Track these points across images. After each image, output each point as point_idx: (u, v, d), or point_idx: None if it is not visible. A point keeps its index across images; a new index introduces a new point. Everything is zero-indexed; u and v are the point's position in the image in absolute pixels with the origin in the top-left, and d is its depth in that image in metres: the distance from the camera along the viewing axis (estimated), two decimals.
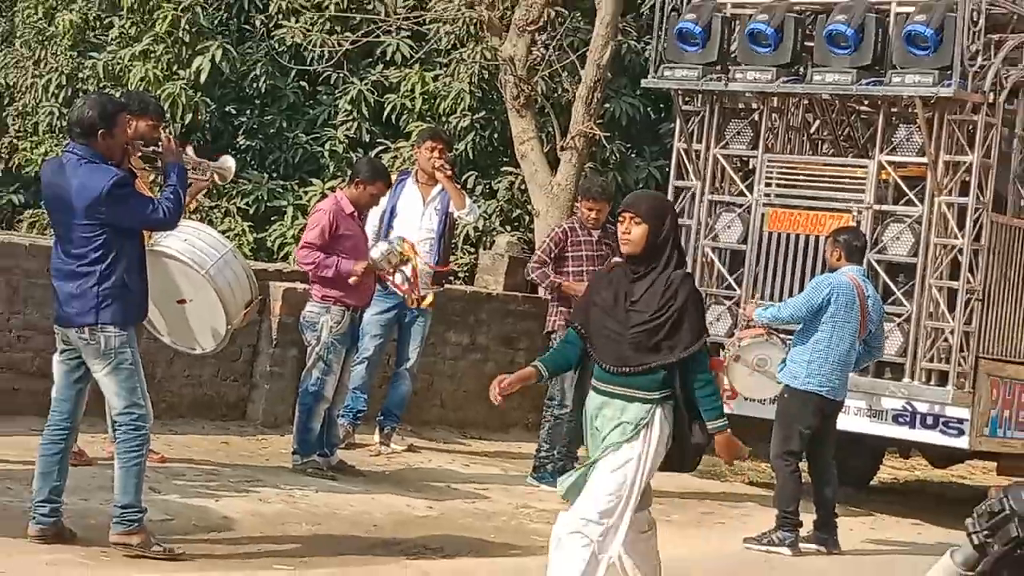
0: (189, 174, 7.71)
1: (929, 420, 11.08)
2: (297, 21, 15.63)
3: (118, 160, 7.12)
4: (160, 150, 7.46)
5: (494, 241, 14.44)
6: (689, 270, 6.69)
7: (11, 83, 17.55)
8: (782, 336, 10.37)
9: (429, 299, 10.69)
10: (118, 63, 15.97)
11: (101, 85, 16.11)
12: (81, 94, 16.60)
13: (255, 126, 15.95)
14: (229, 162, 9.15)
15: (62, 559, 6.84)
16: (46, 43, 17.30)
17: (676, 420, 6.22)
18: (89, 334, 6.96)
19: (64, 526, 7.13)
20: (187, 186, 7.55)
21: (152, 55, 15.66)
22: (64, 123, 16.88)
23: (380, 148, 15.17)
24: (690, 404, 6.26)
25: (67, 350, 7.17)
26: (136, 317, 7.25)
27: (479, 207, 13.40)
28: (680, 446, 6.29)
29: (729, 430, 6.30)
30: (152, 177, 8.68)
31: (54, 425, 7.21)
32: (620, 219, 6.31)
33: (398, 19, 15.58)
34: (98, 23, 16.96)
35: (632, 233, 6.18)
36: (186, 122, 15.10)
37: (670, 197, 12.27)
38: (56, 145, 16.71)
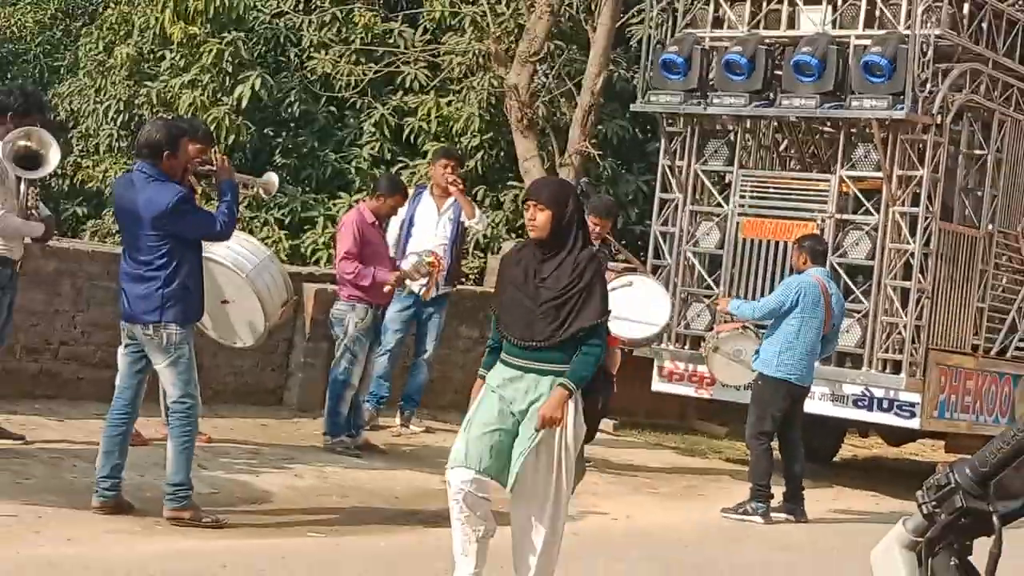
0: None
1: (885, 404, 11.08)
2: (327, 53, 15.64)
3: (179, 177, 7.15)
4: (215, 169, 7.49)
5: (501, 247, 14.44)
6: (595, 250, 6.16)
7: (75, 109, 17.57)
8: (756, 330, 10.38)
9: (433, 292, 10.71)
10: (169, 91, 15.99)
11: (154, 110, 16.13)
12: (137, 119, 16.66)
13: (290, 146, 15.96)
14: (273, 178, 9.22)
15: (120, 528, 6.86)
16: (106, 74, 17.32)
17: (589, 389, 5.98)
18: (153, 330, 6.98)
19: (123, 499, 7.14)
20: (239, 201, 7.57)
21: (199, 84, 15.68)
22: (121, 144, 16.93)
23: (400, 165, 15.18)
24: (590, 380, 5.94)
25: (131, 344, 7.17)
26: (195, 316, 7.27)
27: (487, 217, 13.39)
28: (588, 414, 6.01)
29: (568, 394, 5.72)
30: (199, 191, 8.69)
31: (117, 410, 7.22)
32: (525, 207, 5.99)
33: (416, 52, 15.60)
34: (151, 56, 16.98)
35: (537, 220, 5.82)
36: (229, 143, 15.10)
37: (656, 208, 12.32)
38: (114, 163, 16.74)
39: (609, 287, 10.64)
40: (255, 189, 9.19)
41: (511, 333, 5.84)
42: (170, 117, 15.29)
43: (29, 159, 8.02)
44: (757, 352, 9.96)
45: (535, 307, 5.76)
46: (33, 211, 8.27)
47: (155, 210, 6.91)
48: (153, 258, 6.97)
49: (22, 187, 8.18)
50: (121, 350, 7.31)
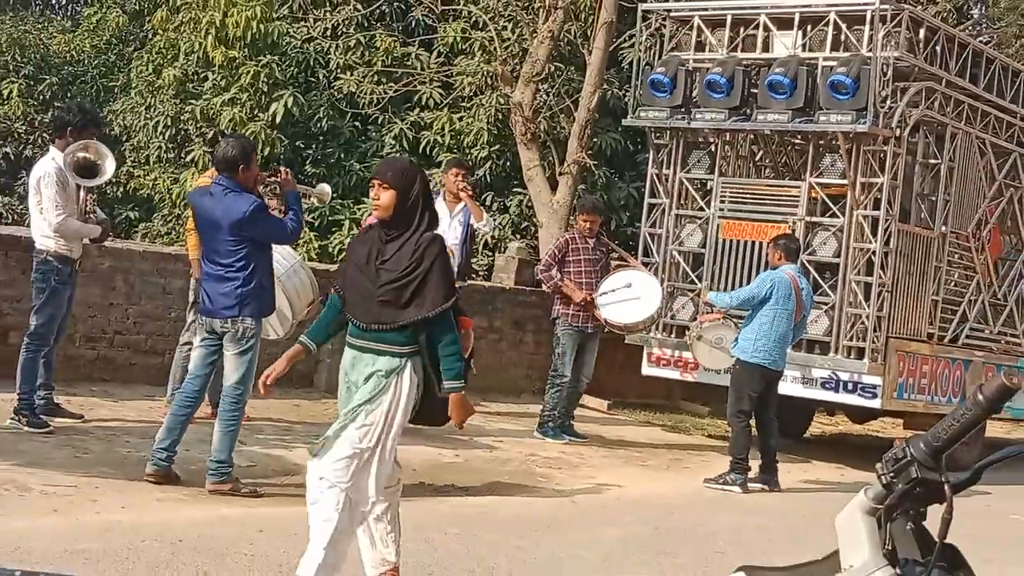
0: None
1: (849, 386, 11.08)
2: (352, 74, 15.65)
3: (251, 188, 7.15)
4: (280, 181, 7.51)
5: (507, 247, 14.44)
6: (438, 232, 5.29)
7: (128, 124, 17.58)
8: (735, 320, 10.39)
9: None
10: (211, 108, 16.00)
11: (198, 126, 16.15)
12: (183, 133, 16.67)
13: (319, 157, 15.97)
14: (327, 189, 9.33)
15: (169, 497, 6.87)
16: (155, 93, 17.32)
17: (424, 374, 5.17)
18: (231, 323, 7.01)
19: (172, 471, 7.15)
20: (303, 209, 7.60)
21: (238, 102, 15.68)
22: (169, 155, 16.94)
23: None
24: (436, 362, 5.18)
25: (208, 337, 7.17)
26: (268, 311, 7.30)
27: (494, 220, 13.40)
28: (427, 399, 5.19)
29: (464, 393, 5.15)
30: None
31: (187, 395, 7.23)
32: (371, 186, 5.27)
33: (431, 73, 15.61)
34: (196, 77, 17.00)
35: (382, 199, 5.12)
36: (265, 155, 15.11)
37: (645, 213, 12.32)
38: (163, 172, 16.75)
39: (608, 280, 10.75)
40: (312, 198, 9.25)
41: (354, 315, 5.18)
42: (211, 133, 15.34)
43: (87, 169, 8.04)
44: (736, 340, 9.97)
45: (375, 289, 5.09)
46: (91, 215, 8.29)
47: (234, 218, 6.92)
48: (232, 260, 6.98)
49: (81, 193, 8.20)
50: (196, 341, 7.34)
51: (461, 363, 5.16)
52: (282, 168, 7.89)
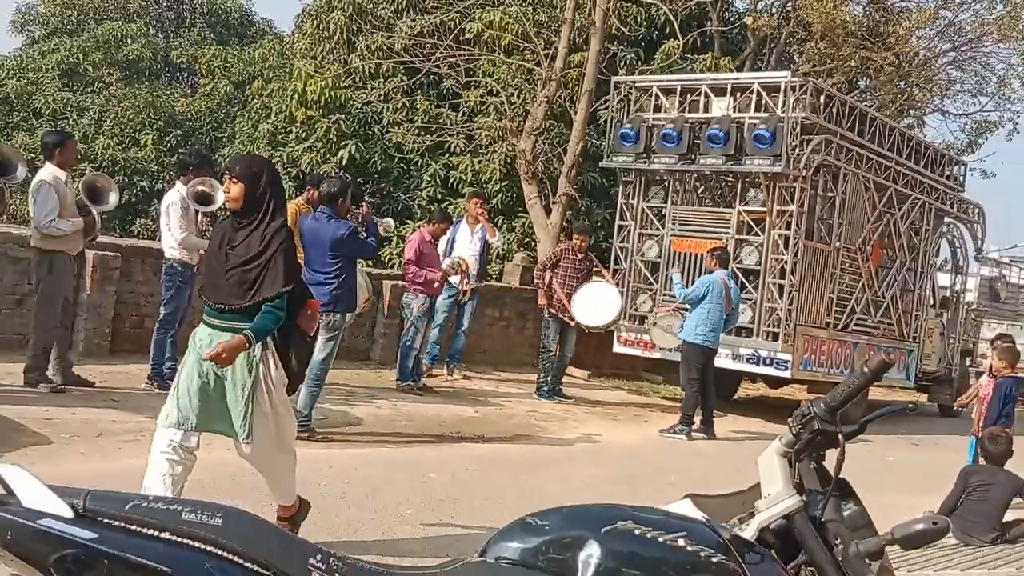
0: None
1: (767, 361, 11.07)
2: (399, 128, 15.64)
3: (344, 216, 7.22)
4: (362, 213, 7.62)
5: (513, 257, 14.43)
6: (282, 223, 4.34)
7: None
8: (682, 311, 10.38)
9: (470, 290, 10.73)
10: (295, 153, 16.01)
11: (284, 167, 16.16)
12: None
13: (374, 190, 15.97)
14: (391, 222, 9.55)
15: None
16: (253, 142, 17.34)
17: (285, 346, 4.42)
18: (324, 316, 7.02)
19: (313, 427, 7.16)
20: (379, 235, 7.71)
21: (315, 149, 15.70)
22: None
23: (447, 203, 15.18)
24: (285, 337, 4.41)
25: None
26: (352, 308, 7.38)
27: (503, 237, 13.37)
28: (286, 368, 4.44)
29: (244, 341, 4.21)
30: None
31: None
32: (223, 179, 4.40)
33: (457, 127, 15.60)
34: (283, 130, 17.00)
35: (232, 191, 4.27)
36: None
37: (616, 231, 12.31)
38: None
39: (581, 290, 10.72)
40: (380, 227, 9.37)
41: (207, 296, 4.41)
42: (294, 172, 15.33)
43: (204, 198, 8.04)
44: (682, 326, 9.97)
45: (223, 272, 4.30)
46: (205, 232, 8.29)
47: (333, 239, 6.99)
48: (329, 270, 7.04)
49: (199, 217, 8.21)
50: None
51: (269, 329, 4.28)
52: (364, 204, 7.99)
